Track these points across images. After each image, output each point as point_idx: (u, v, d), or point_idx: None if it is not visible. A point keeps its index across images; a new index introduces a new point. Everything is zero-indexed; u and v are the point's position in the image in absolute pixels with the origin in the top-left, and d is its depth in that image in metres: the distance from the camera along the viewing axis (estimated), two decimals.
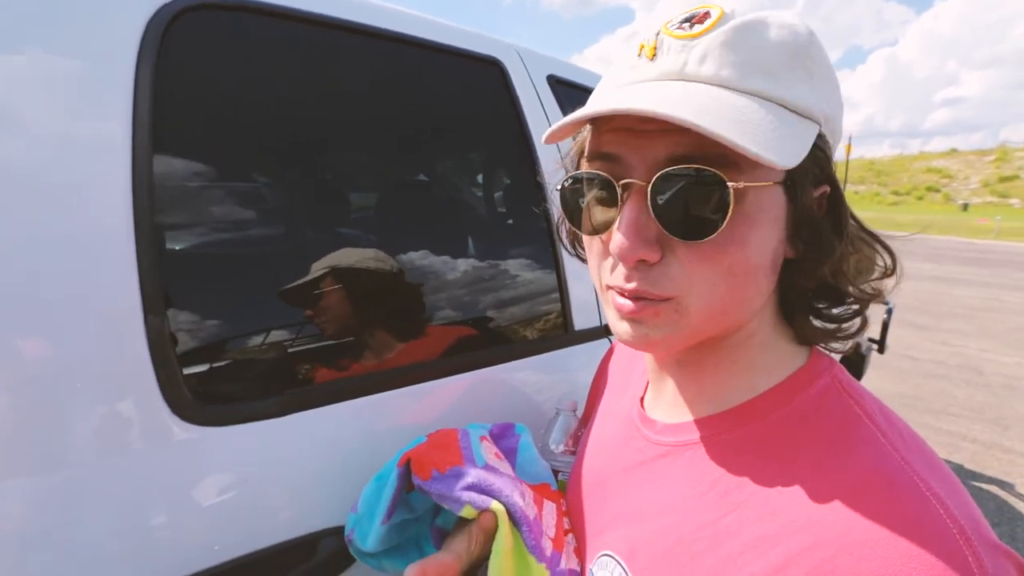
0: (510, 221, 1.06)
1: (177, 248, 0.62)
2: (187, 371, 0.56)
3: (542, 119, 0.96)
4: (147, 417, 0.52)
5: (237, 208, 0.67)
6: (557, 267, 0.92)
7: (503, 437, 0.65)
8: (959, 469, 2.89)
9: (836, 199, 0.40)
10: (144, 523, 0.51)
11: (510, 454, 0.62)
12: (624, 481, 0.46)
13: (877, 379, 4.12)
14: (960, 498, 0.32)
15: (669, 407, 0.45)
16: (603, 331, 0.96)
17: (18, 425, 0.46)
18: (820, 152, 0.37)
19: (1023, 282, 9.83)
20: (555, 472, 0.62)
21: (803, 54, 0.36)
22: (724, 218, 0.34)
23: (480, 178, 1.08)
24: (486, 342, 0.85)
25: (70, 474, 0.48)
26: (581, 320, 0.94)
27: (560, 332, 0.92)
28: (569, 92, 1.08)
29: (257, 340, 0.64)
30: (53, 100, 0.51)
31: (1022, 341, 5.53)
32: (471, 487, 0.50)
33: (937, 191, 64.48)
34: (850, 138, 14.79)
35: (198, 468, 0.55)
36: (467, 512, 0.49)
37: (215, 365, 0.60)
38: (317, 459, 0.62)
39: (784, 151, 0.32)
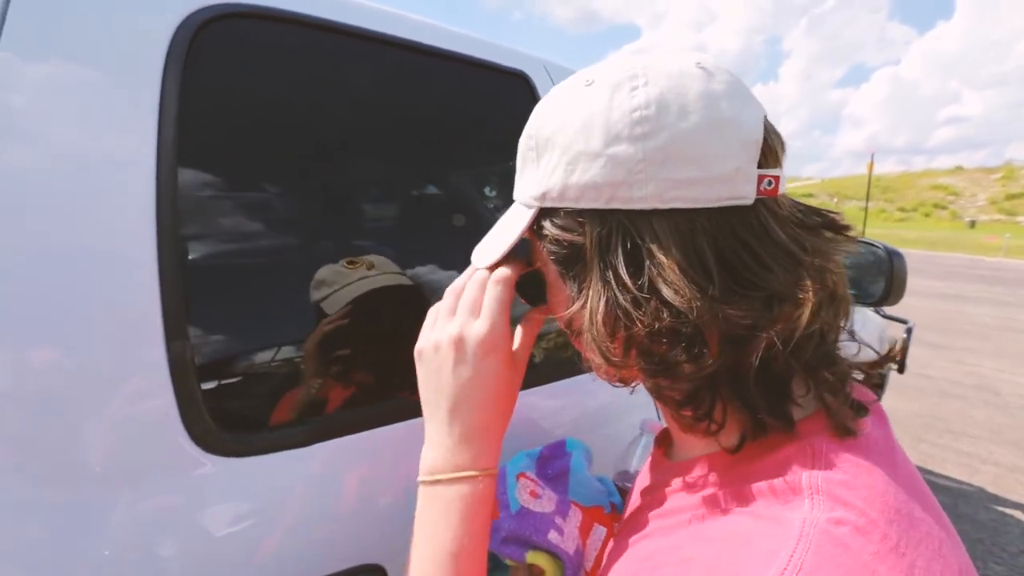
0: None
1: (200, 269, 0.60)
2: (209, 400, 0.53)
3: None
4: (167, 447, 0.50)
5: (262, 227, 0.64)
6: None
7: (554, 458, 0.62)
8: (980, 492, 2.81)
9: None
10: (159, 555, 0.48)
11: (563, 475, 0.60)
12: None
13: (894, 399, 4.05)
14: None
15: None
16: None
17: (31, 451, 0.44)
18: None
19: None
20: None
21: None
22: None
23: (507, 191, 1.06)
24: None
25: (85, 504, 0.45)
26: None
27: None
28: None
29: (282, 366, 0.61)
30: (78, 110, 0.49)
31: None
32: (505, 541, 0.51)
33: (944, 208, 64.28)
34: (872, 156, 14.73)
35: (219, 499, 0.52)
36: (510, 562, 0.50)
37: (238, 393, 0.57)
38: (342, 491, 0.59)
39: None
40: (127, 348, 0.48)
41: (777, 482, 0.31)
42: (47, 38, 0.48)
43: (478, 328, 0.42)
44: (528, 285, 0.44)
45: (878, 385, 2.43)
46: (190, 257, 0.57)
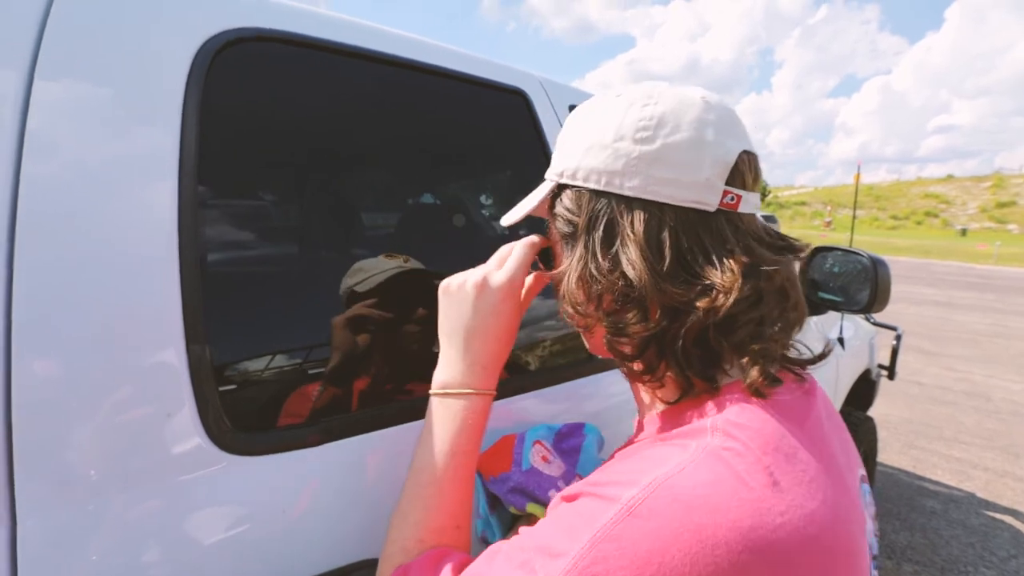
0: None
1: (220, 274, 0.63)
2: (227, 399, 0.56)
3: None
4: (185, 446, 0.52)
5: (277, 235, 0.68)
6: None
7: (571, 436, 0.70)
8: (970, 498, 2.85)
9: None
10: (176, 555, 0.50)
11: (574, 451, 0.68)
12: None
13: (885, 406, 4.09)
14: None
15: None
16: None
17: (49, 452, 0.46)
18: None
19: None
20: None
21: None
22: None
23: (507, 207, 1.10)
24: (522, 367, 0.85)
25: (101, 504, 0.48)
26: None
27: (584, 360, 0.92)
28: None
29: (297, 366, 0.64)
30: (103, 131, 0.52)
31: None
32: (512, 491, 0.61)
33: (935, 216, 64.89)
34: (859, 167, 14.97)
35: (235, 498, 0.54)
36: (513, 509, 0.61)
37: (254, 393, 0.60)
38: (354, 488, 0.62)
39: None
40: (150, 350, 0.51)
41: (695, 423, 0.41)
42: (79, 61, 0.52)
43: (500, 276, 0.54)
44: (544, 256, 0.57)
45: (867, 390, 2.48)
46: (209, 263, 0.60)
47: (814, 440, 0.40)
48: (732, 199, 0.42)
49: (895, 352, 2.53)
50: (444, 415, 0.52)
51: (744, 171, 0.44)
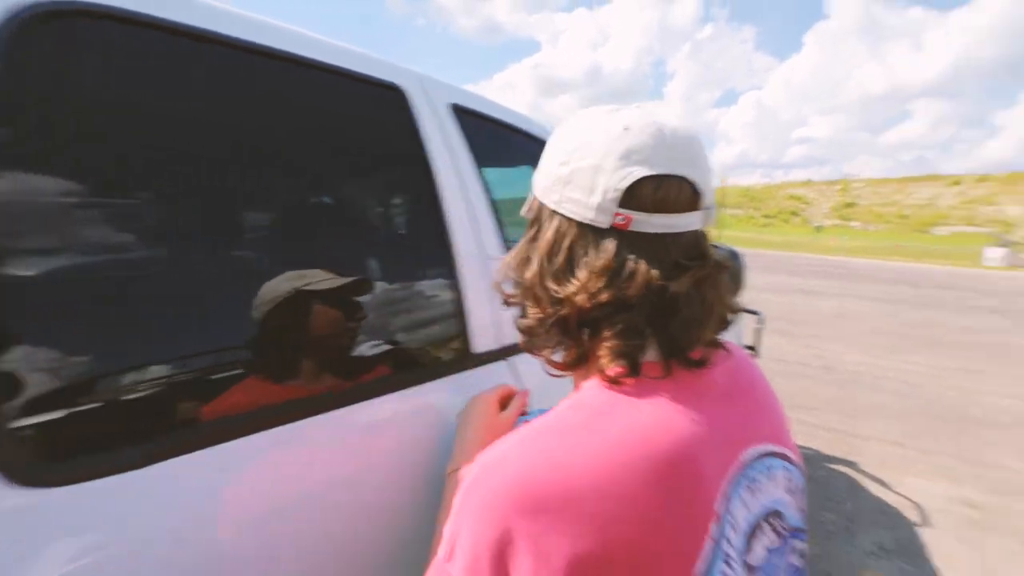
0: (408, 245, 1.07)
1: (13, 276, 0.52)
2: (21, 424, 0.48)
3: (443, 146, 1.00)
4: None
5: (86, 232, 0.60)
6: (458, 291, 0.95)
7: None
8: (816, 454, 3.33)
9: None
10: None
11: None
12: None
13: None
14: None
15: None
16: (500, 354, 0.99)
17: None
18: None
19: (866, 292, 11.61)
20: None
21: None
22: None
23: (379, 204, 1.08)
24: (387, 368, 0.85)
25: None
26: (482, 342, 0.97)
27: (462, 355, 0.94)
28: (472, 121, 1.13)
29: (108, 379, 0.57)
30: None
31: (865, 343, 6.52)
32: None
33: (797, 215, 74.20)
34: (726, 170, 16.68)
35: (41, 538, 0.47)
36: None
37: (56, 414, 0.52)
38: (187, 515, 0.57)
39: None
40: None
41: (575, 393, 0.50)
42: None
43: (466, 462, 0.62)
44: None
45: None
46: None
47: (654, 419, 0.44)
48: (623, 220, 0.48)
49: (759, 334, 2.92)
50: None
51: (645, 195, 0.48)
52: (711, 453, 0.45)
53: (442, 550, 0.44)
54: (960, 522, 2.62)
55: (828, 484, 2.99)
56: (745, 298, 3.64)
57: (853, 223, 65.80)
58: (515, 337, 0.95)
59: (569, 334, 0.50)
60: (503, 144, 1.36)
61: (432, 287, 0.96)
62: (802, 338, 6.64)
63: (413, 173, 0.97)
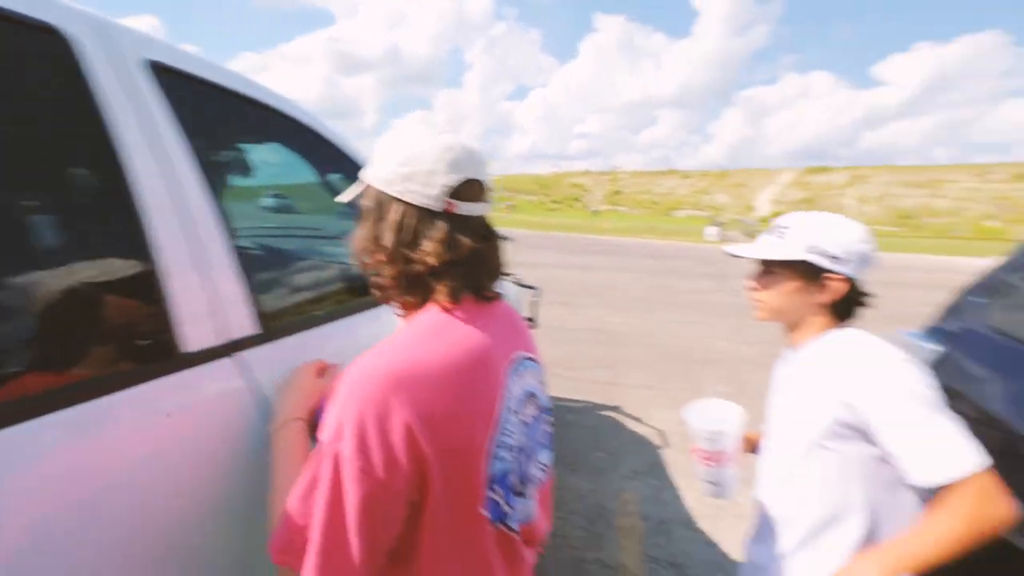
0: (81, 224, 0.83)
1: None
2: None
3: (131, 109, 0.82)
4: None
5: None
6: (153, 273, 0.76)
7: None
8: (589, 405, 3.90)
9: None
10: None
11: None
12: None
13: (543, 348, 5.17)
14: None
15: None
16: (223, 350, 0.84)
17: None
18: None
19: (627, 265, 13.95)
20: None
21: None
22: None
23: (35, 183, 0.80)
24: (40, 383, 0.66)
25: None
26: (194, 338, 0.80)
27: (160, 356, 0.76)
28: (179, 82, 0.95)
29: None
30: None
31: (626, 307, 7.85)
32: None
33: (579, 200, 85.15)
34: (521, 160, 18.01)
35: None
36: None
37: None
38: None
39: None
40: None
41: (417, 316, 0.71)
42: None
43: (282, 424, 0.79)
44: None
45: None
46: None
47: (470, 331, 0.69)
48: (450, 206, 0.68)
49: (536, 306, 3.25)
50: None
51: (462, 190, 0.69)
52: (498, 352, 0.71)
53: (327, 436, 0.59)
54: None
55: (598, 429, 3.54)
56: (534, 274, 3.97)
57: (621, 208, 78.54)
58: (248, 330, 0.94)
59: (419, 284, 0.70)
60: (237, 117, 1.19)
61: (112, 275, 0.77)
62: (579, 308, 7.68)
63: (83, 134, 0.77)
